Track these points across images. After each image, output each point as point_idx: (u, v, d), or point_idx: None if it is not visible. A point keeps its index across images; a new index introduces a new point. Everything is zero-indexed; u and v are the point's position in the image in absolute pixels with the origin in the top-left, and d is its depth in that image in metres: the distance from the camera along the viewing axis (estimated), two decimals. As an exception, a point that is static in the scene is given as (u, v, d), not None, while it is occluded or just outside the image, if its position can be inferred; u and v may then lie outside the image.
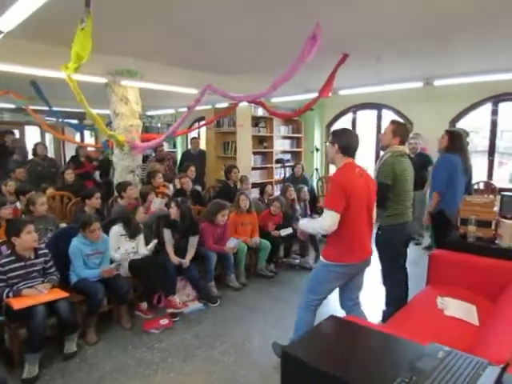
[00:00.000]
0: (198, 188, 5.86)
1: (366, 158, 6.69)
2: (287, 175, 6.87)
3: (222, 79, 5.51)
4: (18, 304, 2.59)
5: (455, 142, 3.68)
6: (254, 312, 3.54)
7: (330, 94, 4.64)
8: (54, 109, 5.96)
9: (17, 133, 8.35)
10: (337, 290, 2.55)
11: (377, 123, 6.95)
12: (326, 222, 2.21)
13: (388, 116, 6.66)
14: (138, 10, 3.09)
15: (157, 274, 3.42)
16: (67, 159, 7.07)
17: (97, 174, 6.29)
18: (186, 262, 3.65)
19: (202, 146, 7.47)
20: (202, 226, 4.02)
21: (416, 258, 4.74)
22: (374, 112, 6.95)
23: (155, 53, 4.38)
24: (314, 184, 7.06)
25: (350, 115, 7.35)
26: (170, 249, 3.66)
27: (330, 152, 2.40)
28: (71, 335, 2.90)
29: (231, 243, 3.97)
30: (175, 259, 3.61)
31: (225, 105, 6.45)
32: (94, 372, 2.67)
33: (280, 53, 3.99)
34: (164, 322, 3.29)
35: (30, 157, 6.41)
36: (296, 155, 7.54)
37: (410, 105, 6.39)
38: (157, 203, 4.36)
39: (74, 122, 7.52)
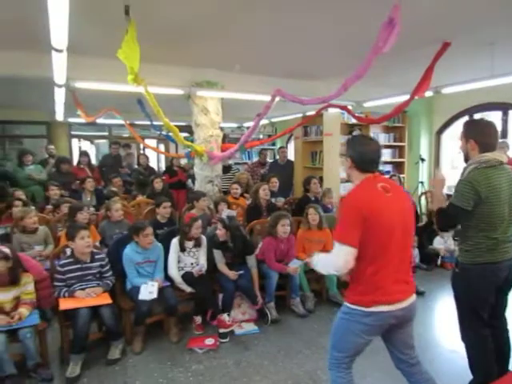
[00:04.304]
0: (281, 200, 5.57)
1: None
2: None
3: (312, 84, 5.19)
4: (63, 305, 2.71)
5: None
6: (311, 347, 3.04)
7: (426, 94, 3.87)
8: (155, 123, 6.46)
9: (134, 147, 9.42)
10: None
11: (502, 128, 5.50)
12: (338, 259, 1.69)
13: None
14: (218, 23, 3.10)
15: (205, 290, 3.23)
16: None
17: (190, 182, 6.60)
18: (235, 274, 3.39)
19: (291, 156, 7.18)
20: (264, 241, 3.72)
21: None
22: (498, 114, 5.58)
23: (237, 62, 4.31)
24: (416, 200, 6.07)
25: (465, 120, 6.09)
26: (223, 267, 3.43)
27: (346, 168, 1.92)
28: (115, 342, 2.91)
29: (294, 264, 3.55)
30: (232, 274, 3.38)
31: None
32: (125, 385, 2.60)
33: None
34: (209, 342, 3.07)
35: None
36: (398, 166, 6.59)
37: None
38: (225, 213, 4.23)
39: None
